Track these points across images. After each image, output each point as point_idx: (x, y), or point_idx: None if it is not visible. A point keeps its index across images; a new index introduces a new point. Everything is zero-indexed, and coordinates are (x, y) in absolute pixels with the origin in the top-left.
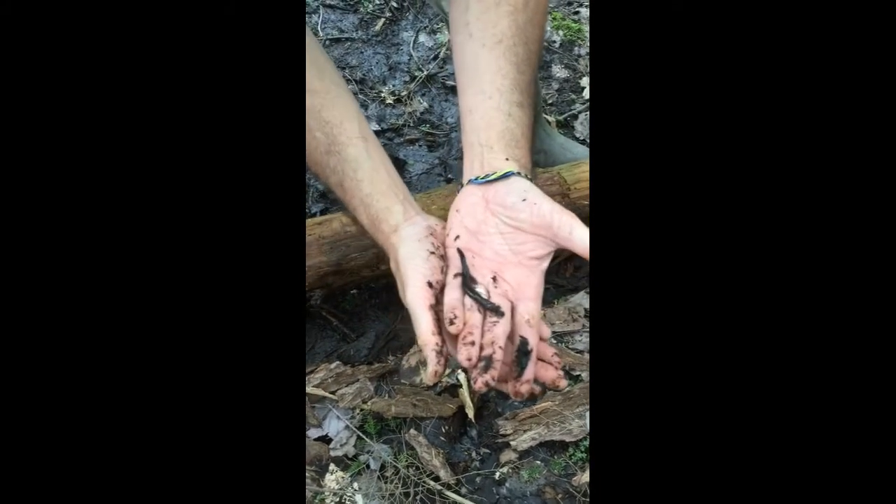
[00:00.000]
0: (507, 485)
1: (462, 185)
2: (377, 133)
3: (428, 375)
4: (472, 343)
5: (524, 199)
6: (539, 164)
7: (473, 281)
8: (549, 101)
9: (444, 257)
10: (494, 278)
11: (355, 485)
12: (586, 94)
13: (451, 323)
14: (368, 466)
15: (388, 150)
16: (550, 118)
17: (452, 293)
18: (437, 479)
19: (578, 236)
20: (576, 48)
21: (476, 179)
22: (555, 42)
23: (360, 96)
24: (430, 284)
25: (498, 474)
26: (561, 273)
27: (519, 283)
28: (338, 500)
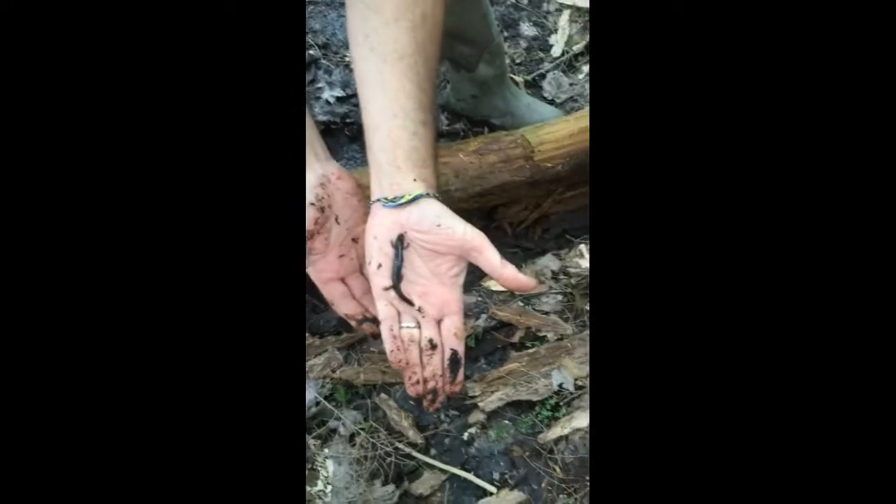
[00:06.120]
0: (475, 445)
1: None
2: (341, 100)
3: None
4: (418, 382)
5: (438, 225)
6: (504, 126)
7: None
8: (518, 61)
9: (325, 209)
10: (420, 307)
11: (325, 451)
12: (555, 51)
13: (393, 356)
14: (339, 432)
15: (353, 117)
16: (518, 78)
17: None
18: (406, 441)
19: (487, 258)
20: (544, 4)
21: (388, 203)
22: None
23: (323, 62)
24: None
25: (466, 435)
26: (529, 236)
27: (443, 301)
28: (309, 466)
